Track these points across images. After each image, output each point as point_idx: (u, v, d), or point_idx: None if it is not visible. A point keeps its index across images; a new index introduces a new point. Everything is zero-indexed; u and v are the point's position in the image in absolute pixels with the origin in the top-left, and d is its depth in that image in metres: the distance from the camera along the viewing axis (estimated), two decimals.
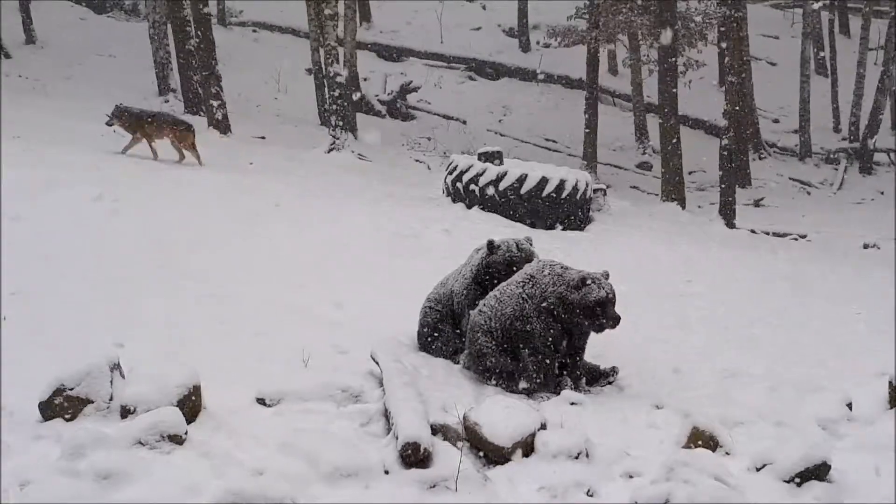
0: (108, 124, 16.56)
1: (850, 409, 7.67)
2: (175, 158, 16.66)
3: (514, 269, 8.64)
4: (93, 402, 6.53)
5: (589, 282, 7.93)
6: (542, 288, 8.07)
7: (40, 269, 10.02)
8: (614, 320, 7.95)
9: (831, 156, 29.74)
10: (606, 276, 8.10)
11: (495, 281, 8.66)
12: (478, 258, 8.96)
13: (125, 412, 6.48)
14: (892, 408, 7.37)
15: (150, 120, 16.57)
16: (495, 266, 8.76)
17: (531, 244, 9.02)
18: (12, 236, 10.75)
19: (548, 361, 8.10)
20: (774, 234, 19.31)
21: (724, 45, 23.69)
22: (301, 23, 30.02)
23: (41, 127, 16.55)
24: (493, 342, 8.21)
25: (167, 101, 25.72)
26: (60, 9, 34.67)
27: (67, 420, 6.44)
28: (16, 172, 12.74)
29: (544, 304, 8.03)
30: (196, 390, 6.63)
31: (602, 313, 7.92)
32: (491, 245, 8.86)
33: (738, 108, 20.57)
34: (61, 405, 6.48)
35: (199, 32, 22.63)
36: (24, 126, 16.76)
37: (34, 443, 6.18)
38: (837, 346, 10.19)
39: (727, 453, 6.74)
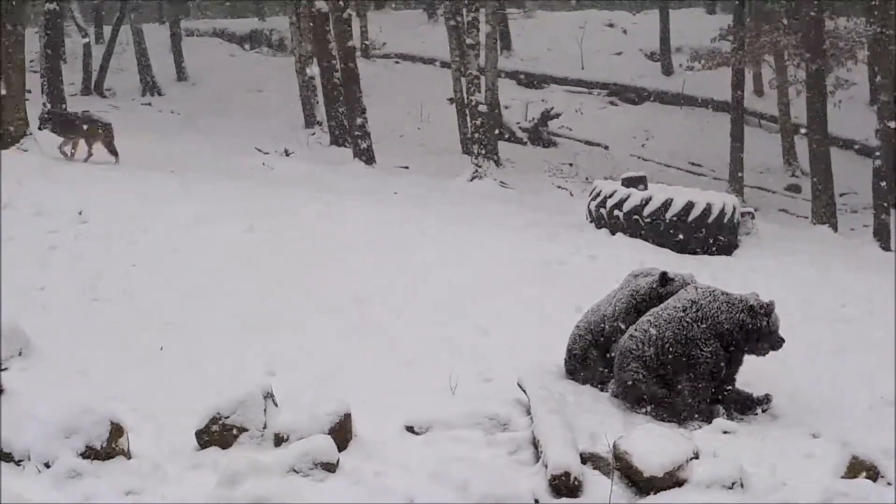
0: (40, 129, 16.93)
1: None
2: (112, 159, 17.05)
3: None
4: (247, 430, 6.65)
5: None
6: (712, 314, 8.01)
7: (194, 299, 10.30)
8: (781, 341, 8.12)
9: None
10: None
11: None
12: (642, 285, 8.85)
13: (279, 440, 6.60)
14: None
15: (76, 122, 17.01)
16: (665, 297, 8.61)
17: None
18: (169, 269, 11.10)
19: (706, 388, 8.00)
20: None
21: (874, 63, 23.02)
22: (442, 53, 30.32)
23: (193, 161, 17.05)
24: (645, 369, 8.09)
25: (313, 134, 26.22)
26: (210, 46, 35.86)
27: (223, 448, 6.56)
28: (172, 206, 13.17)
29: (715, 331, 7.96)
30: (347, 418, 6.70)
31: (777, 337, 8.07)
32: (664, 277, 8.78)
33: (891, 126, 19.95)
34: (217, 433, 6.61)
35: (343, 65, 23.00)
36: (177, 161, 17.32)
37: (192, 471, 6.33)
38: None
39: (889, 483, 6.50)
